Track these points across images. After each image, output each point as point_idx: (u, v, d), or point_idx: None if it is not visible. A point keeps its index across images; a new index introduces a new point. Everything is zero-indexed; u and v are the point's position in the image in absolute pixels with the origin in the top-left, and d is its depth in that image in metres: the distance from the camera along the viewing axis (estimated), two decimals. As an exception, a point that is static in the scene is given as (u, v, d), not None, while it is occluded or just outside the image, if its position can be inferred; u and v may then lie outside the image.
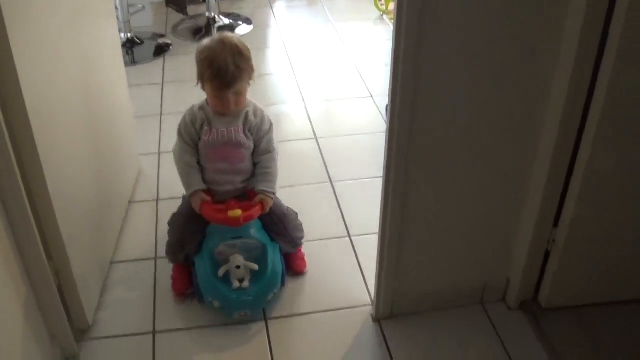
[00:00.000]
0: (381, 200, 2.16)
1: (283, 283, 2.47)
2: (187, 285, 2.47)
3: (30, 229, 1.91)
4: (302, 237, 2.61)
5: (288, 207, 2.55)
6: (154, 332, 2.37)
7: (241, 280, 2.31)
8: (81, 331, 2.34)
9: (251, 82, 2.29)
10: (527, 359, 2.32)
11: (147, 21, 4.94)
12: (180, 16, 5.00)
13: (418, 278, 2.39)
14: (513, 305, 2.49)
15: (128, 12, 4.56)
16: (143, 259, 2.71)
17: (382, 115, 3.70)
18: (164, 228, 2.59)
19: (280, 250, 2.47)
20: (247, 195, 2.42)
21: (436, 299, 2.46)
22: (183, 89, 3.93)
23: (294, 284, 2.56)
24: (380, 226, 2.23)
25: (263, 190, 2.35)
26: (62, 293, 2.16)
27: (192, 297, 2.44)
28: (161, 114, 3.78)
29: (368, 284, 2.58)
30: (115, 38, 2.98)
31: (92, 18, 2.59)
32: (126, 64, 3.30)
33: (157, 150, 3.43)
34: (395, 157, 2.04)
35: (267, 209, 2.36)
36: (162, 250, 2.65)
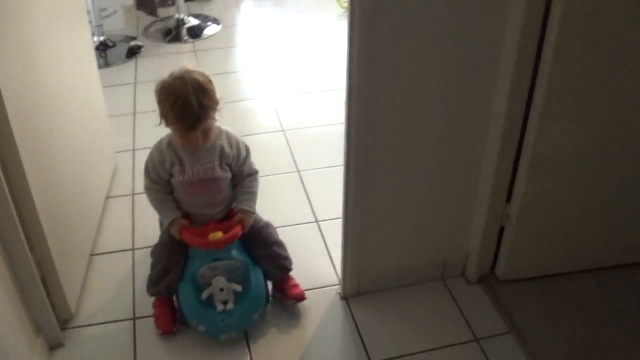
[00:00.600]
0: (343, 185, 2.28)
1: (267, 301, 2.41)
2: (172, 322, 2.38)
3: (13, 223, 1.99)
4: (287, 257, 2.46)
5: (267, 222, 2.44)
6: (134, 319, 2.47)
7: (225, 302, 2.26)
8: (64, 320, 2.42)
9: (218, 112, 2.16)
10: (487, 330, 2.43)
11: (118, 24, 5.04)
12: (151, 18, 5.07)
13: (381, 257, 2.49)
14: (472, 279, 2.61)
15: (100, 16, 4.65)
16: (121, 250, 2.80)
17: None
18: (141, 220, 2.69)
19: (267, 276, 2.41)
20: (228, 216, 2.36)
21: (399, 276, 2.57)
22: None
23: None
24: (343, 209, 2.33)
25: (243, 209, 2.29)
26: (45, 284, 2.25)
27: (177, 326, 2.38)
28: (134, 112, 3.87)
29: (335, 265, 2.69)
30: (88, 41, 3.06)
31: (65, 21, 2.67)
32: (100, 66, 3.37)
33: (131, 147, 3.51)
34: (354, 142, 2.15)
35: (247, 228, 2.29)
36: (139, 242, 2.79)
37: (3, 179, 1.92)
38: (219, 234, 2.18)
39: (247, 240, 2.33)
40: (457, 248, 2.58)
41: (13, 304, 2.06)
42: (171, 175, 2.23)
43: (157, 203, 2.28)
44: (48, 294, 2.26)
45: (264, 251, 2.37)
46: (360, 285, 2.53)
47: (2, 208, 1.95)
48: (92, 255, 2.75)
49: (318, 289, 2.57)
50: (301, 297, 2.44)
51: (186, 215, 2.28)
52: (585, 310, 2.53)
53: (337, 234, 2.49)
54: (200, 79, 2.08)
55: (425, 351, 2.34)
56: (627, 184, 2.44)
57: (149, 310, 2.46)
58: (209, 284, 2.24)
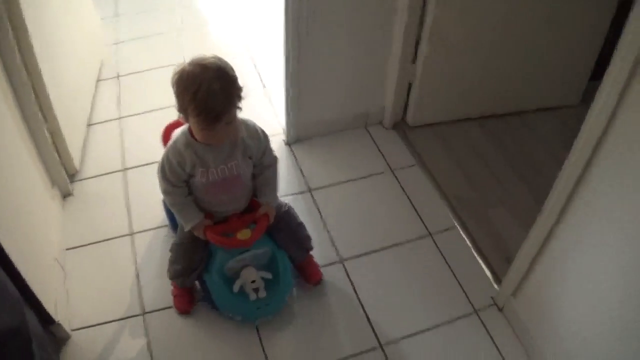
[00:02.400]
0: (283, 53, 2.66)
1: (293, 283, 2.35)
2: (191, 304, 2.33)
3: (30, 99, 2.38)
4: (309, 237, 2.36)
5: (287, 205, 2.30)
6: (124, 169, 2.91)
7: (256, 290, 2.17)
8: (72, 175, 2.85)
9: (242, 102, 1.86)
10: (400, 163, 2.96)
11: None
12: None
13: (315, 110, 2.93)
14: (388, 126, 3.11)
15: None
16: (111, 120, 3.20)
17: None
18: (127, 96, 3.16)
19: (293, 260, 2.32)
20: (249, 206, 2.18)
21: (331, 125, 3.04)
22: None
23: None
24: (284, 72, 2.73)
25: (268, 202, 2.13)
26: (55, 147, 2.65)
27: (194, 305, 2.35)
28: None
29: (279, 117, 3.10)
30: None
31: None
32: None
33: (115, 41, 3.79)
34: (291, 15, 2.50)
35: (272, 219, 2.13)
36: (126, 119, 3.17)
37: (20, 62, 2.29)
38: (247, 233, 2.03)
39: (271, 225, 2.16)
40: (375, 101, 3.04)
41: (34, 164, 2.47)
42: (191, 176, 1.99)
43: (177, 207, 2.05)
44: (59, 155, 2.68)
45: (288, 235, 2.25)
46: (299, 134, 3.00)
47: (21, 87, 2.31)
48: (89, 124, 3.15)
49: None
50: (317, 282, 2.41)
51: (206, 212, 2.10)
52: (472, 147, 3.08)
53: (281, 93, 2.88)
54: (222, 64, 1.79)
55: (351, 180, 2.86)
56: (504, 51, 2.90)
57: (138, 161, 2.89)
58: (238, 276, 2.16)
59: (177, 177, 1.97)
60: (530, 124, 3.19)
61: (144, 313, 2.34)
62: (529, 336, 2.25)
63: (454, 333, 2.33)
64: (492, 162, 3.00)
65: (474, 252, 2.61)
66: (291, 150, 2.99)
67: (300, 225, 2.32)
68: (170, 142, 1.96)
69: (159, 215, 2.63)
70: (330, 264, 2.51)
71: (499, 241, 2.64)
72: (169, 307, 2.34)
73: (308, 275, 2.39)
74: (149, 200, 2.68)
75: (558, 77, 3.11)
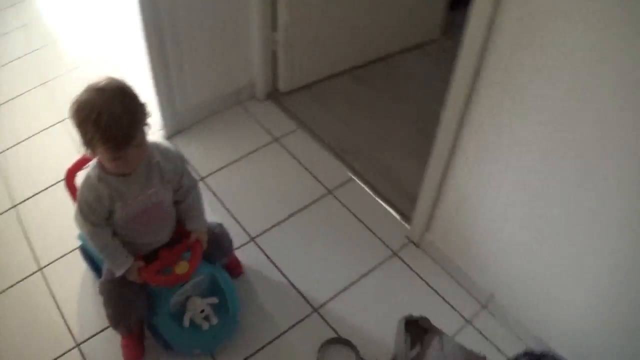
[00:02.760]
0: (144, 46, 2.56)
1: None
2: (140, 352, 2.14)
3: None
4: (230, 240, 2.24)
5: (216, 224, 2.18)
6: (15, 205, 2.71)
7: (207, 318, 2.07)
8: None
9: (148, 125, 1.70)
10: (282, 131, 2.95)
11: None
12: None
13: (188, 97, 2.84)
14: (261, 97, 3.08)
15: None
16: None
17: None
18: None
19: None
20: (175, 233, 2.03)
21: (206, 109, 2.96)
22: None
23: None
24: (149, 67, 2.63)
25: (198, 229, 2.00)
26: None
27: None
28: None
29: (153, 114, 2.89)
30: None
31: None
32: None
33: None
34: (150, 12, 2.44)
35: (205, 245, 2.01)
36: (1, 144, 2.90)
37: None
38: (185, 265, 1.91)
39: (205, 251, 2.03)
40: (244, 76, 2.99)
41: None
42: (111, 212, 1.81)
43: (106, 252, 1.87)
44: None
45: (218, 250, 2.12)
46: (177, 125, 2.91)
47: None
48: None
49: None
50: (239, 275, 2.37)
51: (133, 252, 1.92)
52: (349, 99, 3.11)
53: (152, 91, 2.76)
54: (119, 84, 1.63)
55: (240, 159, 2.81)
56: (359, 1, 2.95)
57: (28, 193, 2.70)
58: (183, 309, 2.04)
59: (98, 215, 1.80)
60: (400, 65, 3.27)
61: (79, 344, 2.20)
62: (451, 262, 2.33)
63: (381, 278, 2.37)
64: (372, 109, 3.05)
65: (377, 198, 2.65)
66: (173, 143, 2.89)
67: (225, 235, 2.20)
68: (82, 181, 1.79)
69: (64, 240, 2.47)
70: (243, 245, 2.47)
71: (398, 182, 2.69)
72: (102, 330, 2.22)
73: (233, 270, 2.32)
74: (49, 228, 2.54)
75: (416, 14, 3.19)
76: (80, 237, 2.23)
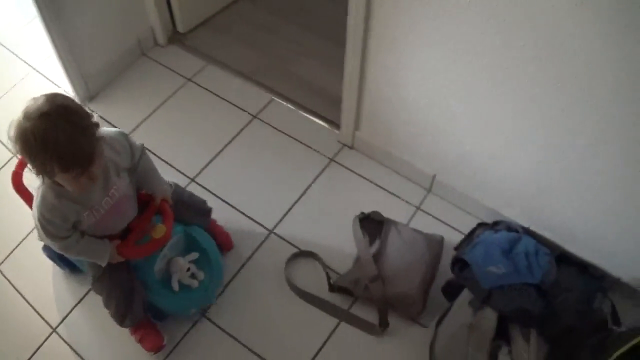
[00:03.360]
0: (41, 25, 2.45)
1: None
2: (159, 336, 2.05)
3: None
4: (204, 200, 2.19)
5: (172, 183, 2.07)
6: None
7: (193, 275, 2.02)
8: None
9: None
10: (193, 70, 2.89)
11: None
12: None
13: (92, 60, 2.73)
14: (164, 43, 3.00)
15: None
16: None
17: None
18: None
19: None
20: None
21: (113, 67, 2.85)
22: None
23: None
24: (48, 39, 2.51)
25: (161, 189, 1.93)
26: None
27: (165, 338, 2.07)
28: None
29: (64, 86, 2.80)
30: None
31: None
32: None
33: None
34: None
35: (171, 202, 1.94)
36: None
37: None
38: (162, 228, 1.83)
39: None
40: (142, 26, 2.90)
41: None
42: (77, 222, 1.72)
43: (84, 253, 1.81)
44: None
45: (186, 209, 2.04)
46: (89, 92, 2.80)
47: None
48: None
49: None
50: (231, 248, 2.29)
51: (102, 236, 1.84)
52: (252, 23, 3.06)
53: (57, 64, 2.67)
54: (60, 101, 1.48)
55: (158, 107, 2.76)
56: None
57: None
58: (169, 273, 2.00)
59: (66, 230, 1.70)
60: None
61: (55, 329, 2.17)
62: (387, 155, 2.40)
63: (325, 186, 2.44)
64: (277, 27, 3.03)
65: (301, 112, 2.68)
66: (91, 110, 2.76)
67: (191, 194, 2.15)
68: (38, 203, 1.64)
69: (12, 232, 2.40)
70: (185, 186, 2.44)
71: (319, 92, 2.71)
72: (73, 309, 2.20)
73: (220, 241, 2.21)
74: None
75: None
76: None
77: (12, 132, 1.45)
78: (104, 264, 1.81)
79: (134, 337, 2.06)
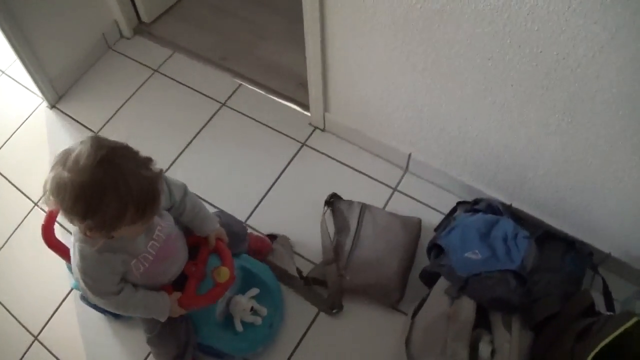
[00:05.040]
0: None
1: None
2: None
3: None
4: (241, 223, 1.99)
5: (218, 212, 1.88)
6: None
7: (254, 312, 1.83)
8: None
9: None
10: (160, 59, 2.70)
11: None
12: None
13: (56, 57, 2.55)
14: (129, 35, 2.81)
15: None
16: None
17: None
18: None
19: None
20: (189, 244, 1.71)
21: (79, 64, 2.67)
22: None
23: None
24: (7, 41, 2.32)
25: (214, 229, 1.69)
26: None
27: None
28: None
29: (31, 87, 2.64)
30: None
31: None
32: None
33: None
34: None
35: (226, 238, 1.73)
36: None
37: None
38: (225, 271, 1.63)
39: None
40: (106, 19, 2.71)
41: None
42: (125, 273, 1.53)
43: (141, 309, 1.59)
44: None
45: (236, 240, 1.82)
46: (56, 91, 2.62)
47: None
48: None
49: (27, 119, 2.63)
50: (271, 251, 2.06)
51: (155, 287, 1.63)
52: (214, 8, 2.87)
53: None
54: (120, 149, 1.29)
55: (128, 100, 2.59)
56: None
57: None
58: (230, 314, 1.82)
59: (116, 284, 1.50)
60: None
61: (36, 337, 2.05)
62: (360, 135, 2.23)
63: (299, 171, 2.27)
64: (239, 12, 2.84)
65: (270, 95, 2.51)
66: (60, 111, 2.62)
67: (230, 218, 1.90)
68: (78, 263, 1.44)
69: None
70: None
71: (286, 73, 2.54)
72: (52, 316, 2.07)
73: (259, 250, 2.01)
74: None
75: None
76: (75, 286, 1.96)
77: (56, 190, 1.22)
78: (163, 319, 1.61)
79: None
